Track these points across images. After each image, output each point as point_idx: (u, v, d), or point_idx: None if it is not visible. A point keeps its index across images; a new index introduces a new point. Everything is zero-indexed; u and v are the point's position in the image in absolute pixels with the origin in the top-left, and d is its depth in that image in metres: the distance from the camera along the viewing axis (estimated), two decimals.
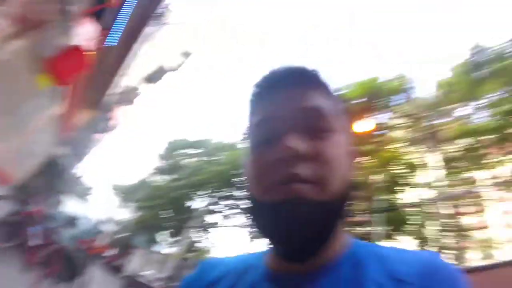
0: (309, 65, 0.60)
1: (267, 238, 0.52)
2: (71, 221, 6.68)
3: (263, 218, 0.52)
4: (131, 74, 8.33)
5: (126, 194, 26.95)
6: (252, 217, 0.55)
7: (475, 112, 14.11)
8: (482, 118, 13.67)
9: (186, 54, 13.60)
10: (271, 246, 0.55)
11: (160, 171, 25.69)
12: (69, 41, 3.05)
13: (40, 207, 5.07)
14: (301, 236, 0.48)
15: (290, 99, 0.54)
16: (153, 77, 10.85)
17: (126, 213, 26.90)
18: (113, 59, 5.33)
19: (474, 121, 13.68)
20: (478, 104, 13.86)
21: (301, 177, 0.48)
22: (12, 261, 4.88)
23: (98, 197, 38.41)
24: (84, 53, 3.24)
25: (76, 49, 3.20)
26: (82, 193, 29.15)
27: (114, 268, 15.71)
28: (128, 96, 9.38)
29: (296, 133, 0.50)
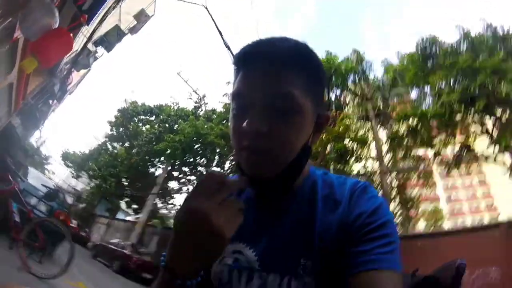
0: (295, 39, 0.64)
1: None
2: (49, 193, 6.46)
3: (239, 169, 0.66)
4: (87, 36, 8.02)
5: (81, 162, 25.66)
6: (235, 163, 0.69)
7: (422, 98, 15.25)
8: (428, 104, 14.80)
9: (146, 16, 12.97)
10: None
11: (115, 138, 24.28)
12: (52, 23, 2.96)
13: (14, 182, 4.84)
14: (265, 189, 0.66)
15: (262, 79, 0.59)
16: (108, 39, 10.30)
17: (81, 183, 25.93)
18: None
19: (422, 106, 14.75)
20: (425, 91, 15.00)
21: (252, 149, 0.59)
22: None
23: (56, 167, 36.27)
24: (68, 34, 3.21)
25: (60, 31, 3.17)
26: (41, 163, 27.63)
27: (80, 238, 15.30)
28: (85, 60, 8.94)
29: (259, 112, 0.58)
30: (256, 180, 0.61)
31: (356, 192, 0.64)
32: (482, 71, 11.82)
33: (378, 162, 14.84)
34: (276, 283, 0.62)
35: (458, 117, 13.57)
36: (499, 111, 12.82)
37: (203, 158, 20.43)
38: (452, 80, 13.13)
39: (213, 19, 7.98)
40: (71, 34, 3.56)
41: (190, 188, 21.11)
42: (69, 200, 7.41)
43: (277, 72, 0.59)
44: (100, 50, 10.75)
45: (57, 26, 3.12)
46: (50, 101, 9.03)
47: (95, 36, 8.84)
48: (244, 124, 0.58)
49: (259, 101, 0.59)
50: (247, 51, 0.64)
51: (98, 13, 5.44)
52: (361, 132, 16.12)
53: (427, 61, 14.10)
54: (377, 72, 17.37)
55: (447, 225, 29.72)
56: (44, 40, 2.99)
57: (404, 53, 15.63)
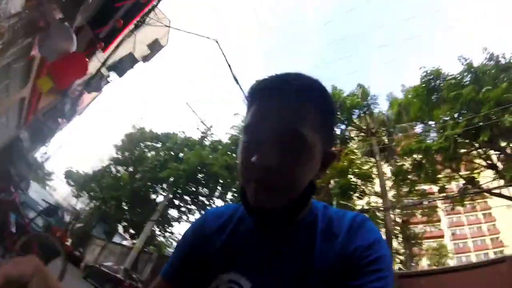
0: (309, 76, 0.65)
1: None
2: (49, 209, 6.57)
3: (243, 201, 0.68)
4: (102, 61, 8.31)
5: (83, 182, 25.62)
6: (239, 194, 0.70)
7: (427, 132, 15.29)
8: (433, 138, 14.81)
9: (159, 46, 13.48)
10: None
11: (120, 162, 24.39)
12: (70, 47, 3.12)
13: (16, 194, 4.91)
14: (267, 225, 0.68)
15: (274, 115, 0.60)
16: (122, 66, 10.63)
17: (81, 202, 25.81)
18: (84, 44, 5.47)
19: (426, 140, 14.75)
20: (429, 126, 15.05)
21: (260, 183, 0.60)
22: None
23: (58, 183, 36.20)
24: (84, 59, 3.37)
25: (77, 55, 3.32)
26: (43, 178, 27.69)
27: (74, 258, 15.16)
28: (97, 83, 9.22)
29: (270, 147, 0.59)
30: (261, 211, 0.63)
31: (355, 226, 0.64)
32: (486, 103, 11.80)
33: (382, 198, 14.67)
34: None
35: (463, 150, 13.50)
36: (503, 143, 12.70)
37: (206, 188, 20.31)
38: (456, 113, 13.16)
39: (223, 53, 8.38)
40: (87, 59, 3.73)
41: (190, 217, 21.01)
42: (67, 218, 7.35)
43: (290, 109, 0.60)
44: (113, 75, 11.11)
45: (74, 50, 3.29)
46: (59, 120, 9.20)
47: (109, 61, 9.17)
48: (254, 158, 0.58)
49: (270, 137, 0.59)
50: (261, 86, 0.65)
51: (114, 41, 5.70)
52: (365, 167, 16.09)
53: (431, 94, 14.19)
54: (382, 106, 17.53)
55: (452, 262, 28.62)
56: (61, 63, 3.14)
57: (409, 87, 15.84)
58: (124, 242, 23.17)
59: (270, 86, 0.64)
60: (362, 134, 17.24)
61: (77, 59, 3.31)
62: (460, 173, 14.59)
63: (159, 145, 23.63)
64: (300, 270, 0.62)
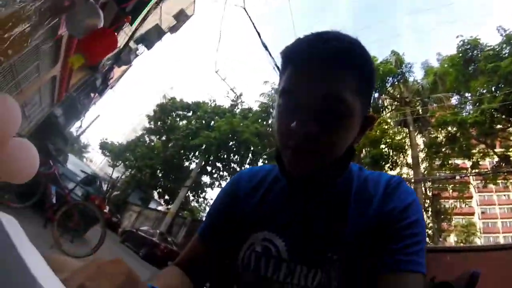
0: (348, 36, 0.60)
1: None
2: (87, 179, 6.83)
3: (280, 167, 0.68)
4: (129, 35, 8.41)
5: (118, 152, 26.51)
6: (275, 158, 0.69)
7: (463, 104, 14.44)
8: (468, 110, 14.01)
9: (186, 16, 13.34)
10: None
11: (152, 131, 24.88)
12: (97, 23, 3.17)
13: (55, 167, 5.18)
14: (303, 189, 0.67)
15: (314, 79, 0.57)
16: (149, 38, 10.69)
17: (117, 171, 26.66)
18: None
19: (462, 113, 13.99)
20: (465, 97, 14.18)
21: (299, 151, 0.58)
22: (34, 219, 5.19)
23: (94, 155, 38.04)
24: (113, 33, 3.39)
25: (106, 31, 3.35)
26: (80, 151, 29.28)
27: (112, 224, 15.71)
28: (126, 57, 9.39)
29: (310, 113, 0.57)
30: (297, 176, 0.62)
31: (391, 186, 0.64)
32: None
33: (413, 169, 14.26)
34: (303, 274, 0.62)
35: (499, 126, 12.75)
36: None
37: (237, 155, 20.62)
38: (493, 86, 12.32)
39: (251, 20, 8.05)
40: (116, 34, 3.80)
41: (222, 183, 21.52)
42: (105, 187, 7.82)
43: (330, 73, 0.57)
44: (141, 47, 11.25)
45: (101, 26, 3.35)
46: (92, 94, 9.55)
47: (137, 34, 9.25)
48: (293, 124, 0.56)
49: (310, 102, 0.57)
50: (299, 46, 0.61)
51: (140, 14, 5.72)
52: (398, 138, 15.57)
53: (468, 65, 13.34)
54: (417, 75, 16.57)
55: (479, 241, 27.87)
56: (91, 39, 3.20)
57: (445, 56, 14.90)
58: (159, 208, 23.93)
59: (308, 47, 0.59)
60: (396, 103, 16.48)
61: (106, 34, 3.33)
62: (495, 150, 13.86)
63: (190, 114, 23.93)
64: (334, 230, 0.62)
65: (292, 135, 0.57)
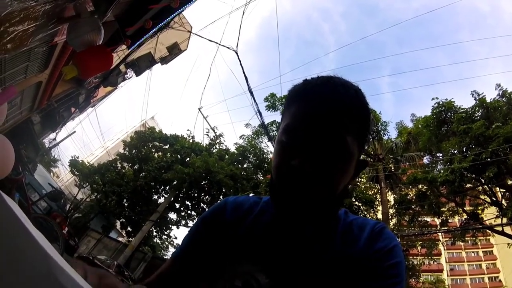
0: (353, 84, 0.64)
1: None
2: (54, 193, 6.47)
3: (274, 198, 0.68)
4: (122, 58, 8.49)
5: (87, 173, 25.02)
6: (269, 189, 0.69)
7: (434, 163, 15.17)
8: (439, 170, 14.68)
9: (179, 50, 13.69)
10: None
11: (126, 158, 24.31)
12: (97, 39, 3.20)
13: (23, 174, 4.96)
14: (291, 224, 0.67)
15: (320, 121, 0.59)
16: (140, 65, 10.79)
17: (82, 193, 25.60)
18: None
19: (433, 171, 14.61)
20: (437, 157, 14.96)
21: (297, 188, 0.59)
22: None
23: (61, 171, 36.05)
24: (110, 53, 3.46)
25: (104, 49, 3.40)
26: (48, 163, 27.77)
27: (68, 247, 15.29)
28: (114, 78, 9.38)
29: (312, 153, 0.58)
30: (289, 212, 0.64)
31: (376, 231, 0.66)
32: (495, 139, 11.79)
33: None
34: None
35: (468, 185, 13.35)
36: (510, 181, 12.60)
37: (208, 196, 20.18)
38: (464, 147, 13.10)
39: (241, 64, 8.40)
40: (113, 54, 3.85)
41: (189, 223, 20.79)
42: (67, 206, 7.37)
43: (336, 117, 0.59)
44: (130, 72, 11.31)
45: (100, 43, 3.39)
46: (73, 109, 9.35)
47: (128, 58, 9.36)
48: (295, 162, 0.58)
49: (314, 142, 0.58)
50: (307, 89, 0.64)
51: (139, 40, 5.86)
52: (369, 193, 15.92)
53: (441, 126, 14.17)
54: (391, 134, 17.45)
55: None
56: (87, 54, 3.21)
57: (419, 117, 15.86)
58: (120, 239, 22.94)
59: (316, 89, 0.62)
60: (369, 159, 17.13)
61: (103, 52, 3.36)
62: (464, 208, 14.39)
63: (167, 146, 23.58)
64: (317, 268, 0.62)
65: (292, 172, 0.59)
